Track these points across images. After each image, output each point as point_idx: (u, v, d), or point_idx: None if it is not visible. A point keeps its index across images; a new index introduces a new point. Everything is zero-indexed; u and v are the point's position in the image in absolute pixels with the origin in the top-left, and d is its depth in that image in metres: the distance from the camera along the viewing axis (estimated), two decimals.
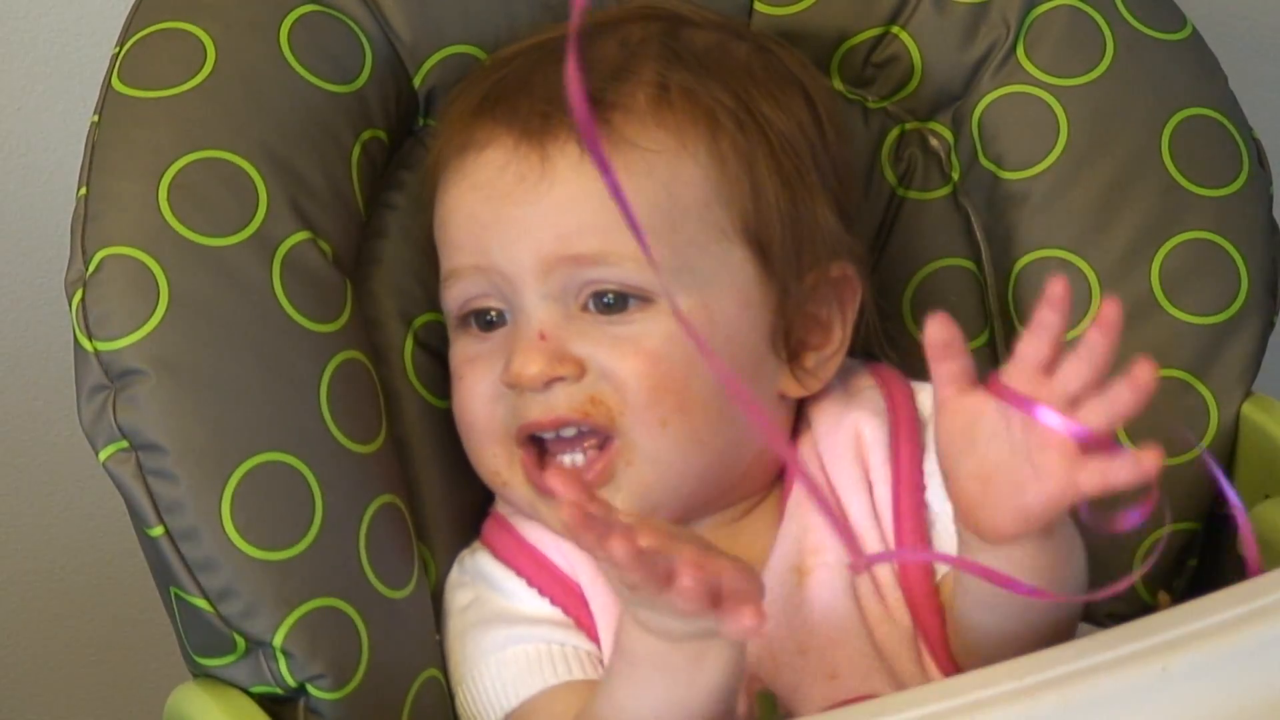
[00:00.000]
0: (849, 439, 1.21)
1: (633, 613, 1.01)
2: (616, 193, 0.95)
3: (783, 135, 1.22)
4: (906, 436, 1.22)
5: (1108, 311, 0.99)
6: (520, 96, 1.18)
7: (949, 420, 1.03)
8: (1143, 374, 0.97)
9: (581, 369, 1.15)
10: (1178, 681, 0.98)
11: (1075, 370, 0.99)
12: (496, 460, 1.18)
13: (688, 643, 1.01)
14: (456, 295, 1.18)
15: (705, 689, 1.02)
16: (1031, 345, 1.00)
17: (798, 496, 1.20)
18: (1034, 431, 1.00)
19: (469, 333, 1.19)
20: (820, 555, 1.18)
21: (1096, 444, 1.00)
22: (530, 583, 1.17)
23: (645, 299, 1.16)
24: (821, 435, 1.22)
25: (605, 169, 0.95)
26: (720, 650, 1.01)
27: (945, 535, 1.18)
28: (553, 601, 1.17)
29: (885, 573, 1.18)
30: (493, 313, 1.18)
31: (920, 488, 1.20)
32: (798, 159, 1.22)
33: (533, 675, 1.14)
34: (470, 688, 1.16)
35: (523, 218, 1.15)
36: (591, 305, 1.16)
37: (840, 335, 1.22)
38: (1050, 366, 0.99)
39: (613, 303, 1.16)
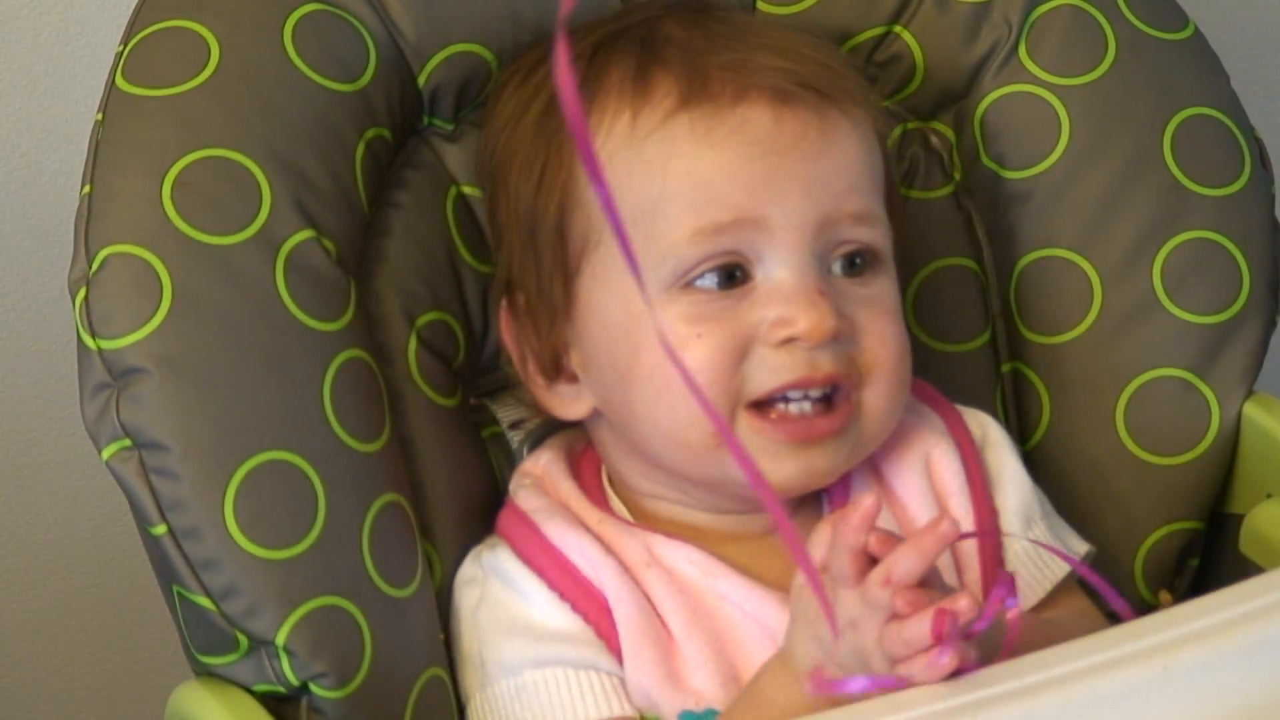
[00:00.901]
0: (918, 459, 1.22)
1: (814, 656, 1.02)
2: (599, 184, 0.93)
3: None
4: (975, 464, 1.23)
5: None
6: (745, 57, 1.17)
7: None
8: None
9: (852, 328, 1.15)
10: (1179, 681, 0.98)
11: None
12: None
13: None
14: (703, 251, 1.14)
15: None
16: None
17: (863, 496, 1.19)
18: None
19: (696, 293, 1.15)
20: None
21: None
22: (551, 585, 1.17)
23: (879, 262, 1.18)
24: (884, 451, 1.22)
25: (591, 163, 0.93)
26: None
27: (1019, 559, 1.22)
28: (574, 607, 1.16)
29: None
30: (722, 273, 1.15)
31: (994, 513, 1.22)
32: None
33: (561, 709, 1.14)
34: (487, 705, 1.17)
35: (805, 174, 1.14)
36: (838, 267, 1.16)
37: None
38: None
39: (857, 265, 1.17)
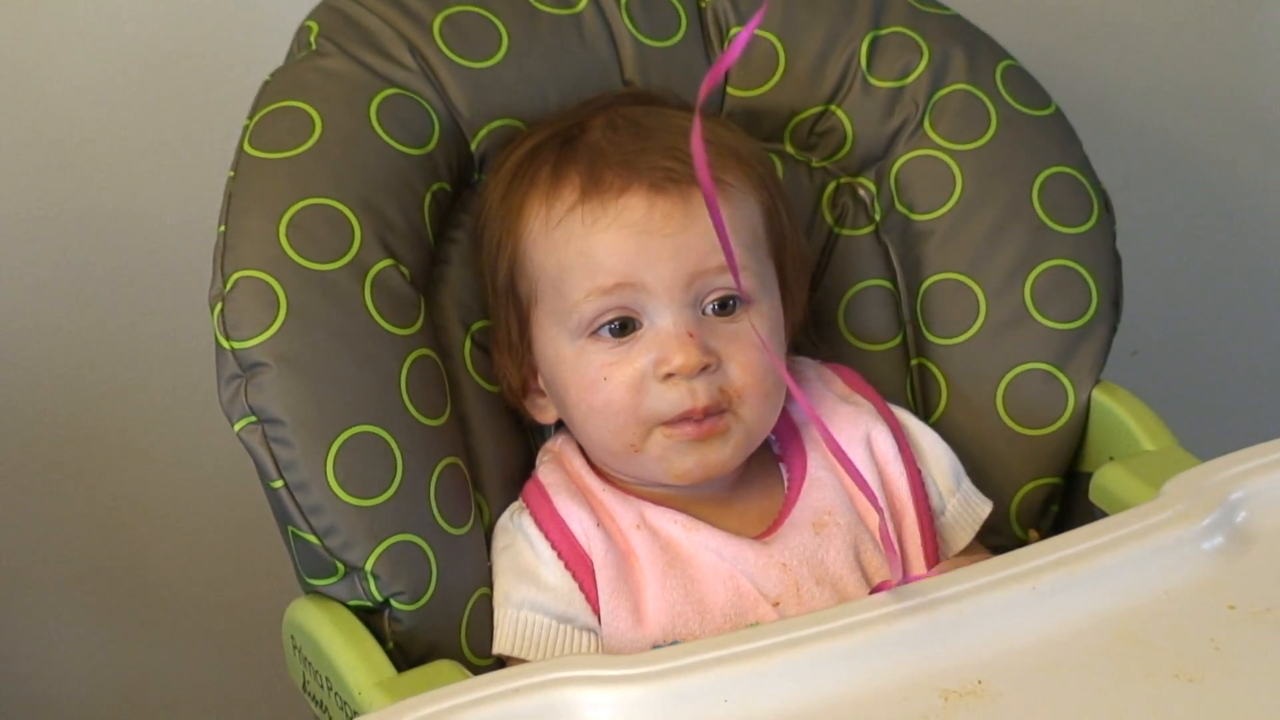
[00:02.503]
0: (861, 438, 1.24)
1: None
2: (719, 225, 0.98)
3: (770, 169, 1.27)
4: (904, 439, 1.26)
5: None
6: (635, 157, 1.17)
7: None
8: None
9: (718, 359, 1.18)
10: (1044, 597, 1.01)
11: None
12: (634, 435, 1.18)
13: None
14: (597, 308, 1.17)
15: None
16: None
17: (817, 472, 1.23)
18: None
19: (600, 341, 1.18)
20: (834, 515, 1.22)
21: None
22: (554, 546, 1.18)
23: (747, 301, 1.20)
24: (833, 434, 1.21)
25: (714, 206, 0.97)
26: None
27: (952, 516, 1.24)
28: (567, 566, 1.18)
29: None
30: (616, 324, 1.16)
31: (919, 473, 1.25)
32: (778, 185, 1.27)
33: (534, 646, 1.16)
34: (496, 616, 1.20)
35: (672, 246, 1.16)
36: (710, 310, 1.19)
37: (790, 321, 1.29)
38: None
39: (724, 307, 1.18)
